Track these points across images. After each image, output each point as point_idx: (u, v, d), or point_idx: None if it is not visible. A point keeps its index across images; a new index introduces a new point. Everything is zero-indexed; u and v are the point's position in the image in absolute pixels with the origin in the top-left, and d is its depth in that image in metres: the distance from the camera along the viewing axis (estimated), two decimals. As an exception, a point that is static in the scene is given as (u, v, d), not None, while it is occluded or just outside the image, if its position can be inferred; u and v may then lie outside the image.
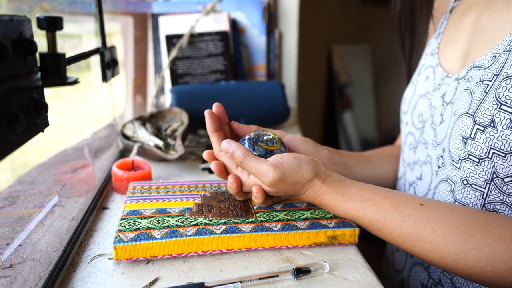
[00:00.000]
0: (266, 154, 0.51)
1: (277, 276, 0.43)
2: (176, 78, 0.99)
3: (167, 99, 1.03)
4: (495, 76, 0.47)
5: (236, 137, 0.57)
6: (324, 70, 1.98)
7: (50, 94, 0.42)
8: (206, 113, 0.53)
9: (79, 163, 0.67)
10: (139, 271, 0.45)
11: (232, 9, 1.07)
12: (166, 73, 0.99)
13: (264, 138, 0.52)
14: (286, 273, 0.43)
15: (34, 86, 0.35)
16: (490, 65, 0.49)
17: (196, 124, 0.85)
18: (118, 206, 0.61)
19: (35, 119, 0.36)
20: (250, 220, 0.49)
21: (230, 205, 0.53)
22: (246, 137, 0.53)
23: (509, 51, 0.46)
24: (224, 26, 1.03)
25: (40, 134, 0.37)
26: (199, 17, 1.00)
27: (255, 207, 0.53)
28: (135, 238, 0.45)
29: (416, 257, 0.47)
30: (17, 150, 0.33)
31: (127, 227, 0.47)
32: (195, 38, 1.00)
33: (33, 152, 0.62)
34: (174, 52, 0.98)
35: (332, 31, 1.94)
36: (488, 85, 0.47)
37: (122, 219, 0.49)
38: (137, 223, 0.48)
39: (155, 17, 1.05)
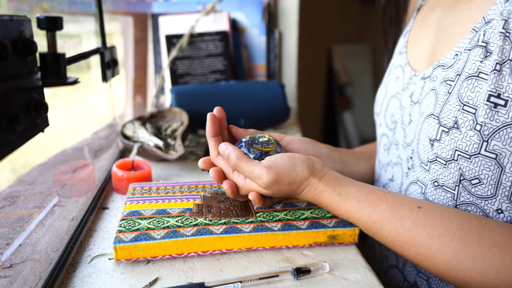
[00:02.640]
0: (261, 155, 0.51)
1: (277, 276, 0.43)
2: (176, 78, 0.99)
3: (167, 99, 1.03)
4: (457, 76, 0.46)
5: (234, 141, 0.56)
6: (324, 70, 1.98)
7: (50, 94, 0.42)
8: (209, 116, 0.52)
9: (79, 163, 0.67)
10: (139, 271, 0.45)
11: (232, 9, 1.07)
12: (166, 73, 0.99)
13: (260, 140, 0.52)
14: (286, 273, 0.43)
15: (34, 86, 0.35)
16: (453, 64, 0.48)
17: (196, 124, 0.85)
18: (118, 206, 0.61)
19: (35, 119, 0.36)
20: (250, 220, 0.49)
21: (230, 205, 0.53)
22: (243, 140, 0.53)
23: (469, 50, 0.46)
24: (224, 26, 1.03)
25: (40, 134, 0.37)
26: (199, 17, 1.00)
27: (255, 207, 0.53)
28: (135, 239, 0.45)
29: (411, 262, 0.46)
30: (17, 150, 0.33)
31: (127, 227, 0.47)
32: (195, 38, 1.00)
33: (33, 152, 0.62)
34: (174, 52, 0.98)
35: (332, 31, 1.94)
36: (451, 85, 0.47)
37: (122, 220, 0.49)
38: (137, 223, 0.48)
39: (155, 17, 1.05)
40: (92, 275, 0.44)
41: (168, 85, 1.00)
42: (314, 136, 0.67)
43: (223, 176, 0.53)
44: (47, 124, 0.39)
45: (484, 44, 0.44)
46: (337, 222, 0.50)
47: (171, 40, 1.00)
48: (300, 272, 0.43)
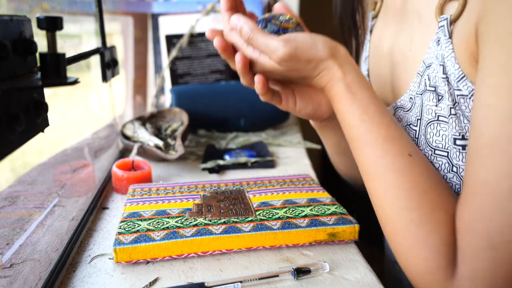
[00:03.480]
0: (279, 31, 0.46)
1: (277, 276, 0.43)
2: (176, 78, 0.99)
3: (167, 99, 1.03)
4: (418, 121, 0.46)
5: None
6: (324, 70, 1.98)
7: (50, 94, 0.42)
8: None
9: (79, 163, 0.67)
10: (139, 271, 0.45)
11: (232, 9, 1.07)
12: (166, 73, 1.00)
13: (280, 18, 0.48)
14: (286, 273, 0.43)
15: (34, 86, 0.35)
16: (411, 108, 0.48)
17: (196, 124, 0.85)
18: (118, 206, 0.61)
19: (35, 119, 0.36)
20: (249, 219, 0.49)
21: (230, 204, 0.53)
22: (261, 17, 0.48)
23: (421, 94, 0.46)
24: (224, 26, 1.03)
25: (40, 134, 0.37)
26: (199, 17, 1.00)
27: (254, 205, 0.53)
28: (135, 240, 0.45)
29: (368, 193, 0.45)
30: (17, 150, 0.33)
31: (126, 229, 0.47)
32: (195, 38, 1.00)
33: (33, 152, 0.62)
34: (174, 52, 0.98)
35: (332, 31, 1.94)
36: (416, 130, 0.47)
37: (122, 221, 0.49)
38: (136, 225, 0.48)
39: (155, 17, 1.05)
40: (92, 275, 0.44)
41: (168, 85, 1.00)
42: (314, 135, 0.67)
43: (228, 48, 0.47)
44: (47, 124, 0.39)
45: (433, 89, 0.44)
46: (337, 219, 0.50)
47: (171, 40, 1.00)
48: (300, 272, 0.43)
